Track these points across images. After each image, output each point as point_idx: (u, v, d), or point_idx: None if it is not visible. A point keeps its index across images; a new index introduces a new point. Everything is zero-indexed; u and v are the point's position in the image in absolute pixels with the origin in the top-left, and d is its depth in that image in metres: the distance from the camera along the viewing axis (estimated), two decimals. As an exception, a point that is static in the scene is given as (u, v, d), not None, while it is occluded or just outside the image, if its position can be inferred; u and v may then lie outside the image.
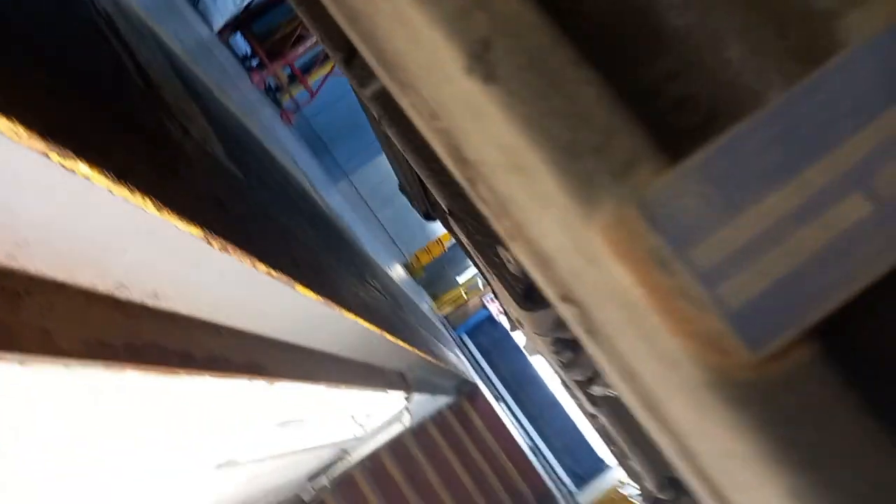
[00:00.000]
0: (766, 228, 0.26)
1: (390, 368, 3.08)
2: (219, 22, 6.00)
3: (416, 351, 2.93)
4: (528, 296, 1.45)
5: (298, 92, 7.49)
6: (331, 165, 8.72)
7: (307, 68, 7.34)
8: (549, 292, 0.36)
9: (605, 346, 0.33)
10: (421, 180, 2.26)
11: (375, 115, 1.63)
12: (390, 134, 1.66)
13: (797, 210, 0.26)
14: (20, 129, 0.60)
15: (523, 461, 5.46)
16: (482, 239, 1.51)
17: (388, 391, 2.88)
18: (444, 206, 1.63)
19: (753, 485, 0.26)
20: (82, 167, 0.65)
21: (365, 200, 9.31)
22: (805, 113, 0.27)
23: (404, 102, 0.38)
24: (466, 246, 1.91)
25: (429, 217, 2.61)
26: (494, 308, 9.63)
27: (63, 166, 0.65)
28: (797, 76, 0.28)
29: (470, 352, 9.83)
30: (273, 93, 7.36)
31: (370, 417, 3.13)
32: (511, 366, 10.25)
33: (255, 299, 1.35)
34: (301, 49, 6.80)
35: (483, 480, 5.07)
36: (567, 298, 0.34)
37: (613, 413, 1.41)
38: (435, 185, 1.52)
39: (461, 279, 10.29)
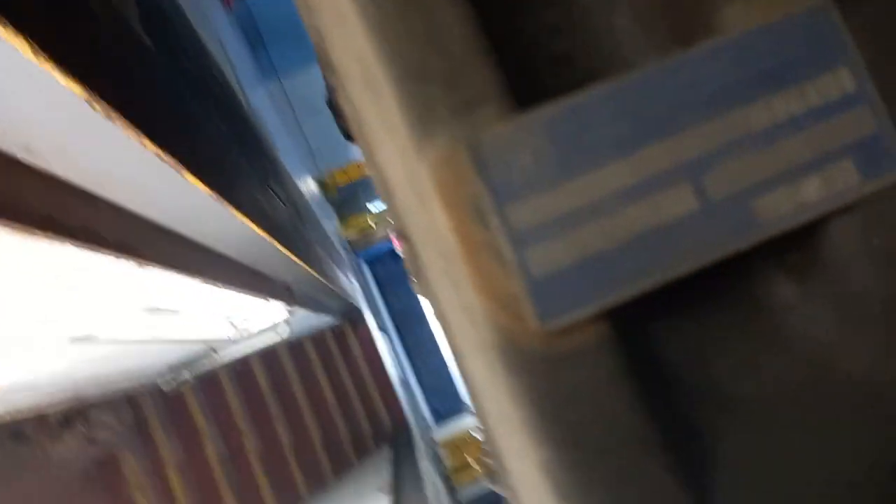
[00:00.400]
0: (592, 201, 0.26)
1: (277, 278, 3.05)
2: None
3: (306, 266, 2.92)
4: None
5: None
6: (264, 62, 8.28)
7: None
8: (391, 224, 0.36)
9: (427, 290, 0.33)
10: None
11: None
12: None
13: (627, 189, 0.26)
14: None
15: (390, 393, 5.63)
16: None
17: (270, 300, 2.86)
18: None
19: (520, 452, 0.26)
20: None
21: (292, 106, 8.96)
22: (658, 93, 0.26)
23: (303, 10, 0.38)
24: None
25: (348, 136, 2.57)
26: (398, 244, 9.67)
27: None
28: (669, 54, 0.28)
29: (365, 279, 9.87)
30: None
31: (247, 322, 3.11)
32: (402, 301, 10.39)
33: (139, 178, 1.29)
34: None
35: (347, 403, 5.20)
36: (401, 234, 0.35)
37: None
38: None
39: (373, 208, 10.22)
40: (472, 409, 0.36)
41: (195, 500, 3.60)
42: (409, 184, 0.28)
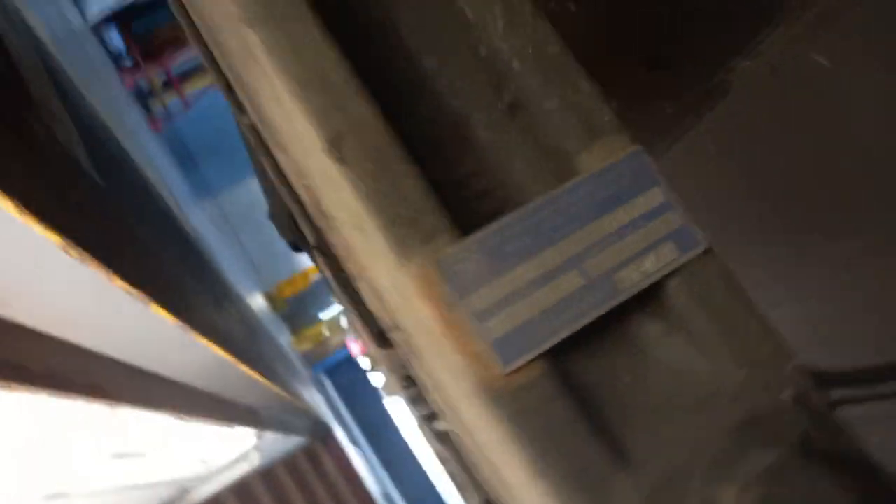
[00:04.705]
0: (517, 288, 0.41)
1: (242, 402, 2.96)
2: (94, 12, 5.63)
3: (270, 385, 2.85)
4: (381, 333, 1.50)
5: (172, 100, 7.15)
6: (197, 182, 8.32)
7: (184, 77, 7.04)
8: (384, 322, 0.43)
9: (420, 364, 0.45)
10: (290, 212, 2.27)
11: (252, 144, 1.63)
12: (265, 165, 1.66)
13: (537, 277, 0.42)
14: None
15: (372, 508, 5.37)
16: (344, 275, 1.54)
17: (237, 426, 2.76)
18: (310, 241, 1.65)
19: (506, 460, 0.40)
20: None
21: (230, 223, 8.96)
22: (548, 215, 0.43)
23: (279, 157, 0.43)
24: (330, 281, 1.94)
25: (297, 248, 2.61)
26: (356, 348, 9.53)
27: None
28: (552, 188, 0.45)
29: (327, 392, 9.61)
30: (145, 97, 6.97)
31: (215, 454, 2.97)
32: (369, 409, 10.12)
33: (105, 315, 1.27)
34: (180, 56, 6.53)
35: (329, 526, 4.93)
36: (395, 327, 0.41)
37: (451, 447, 1.47)
38: (303, 220, 1.54)
39: (324, 316, 10.10)
40: (470, 452, 0.42)
41: None
42: (396, 290, 0.42)
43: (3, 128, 0.90)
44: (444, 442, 1.46)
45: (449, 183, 0.41)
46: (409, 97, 0.41)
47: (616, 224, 0.42)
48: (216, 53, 0.44)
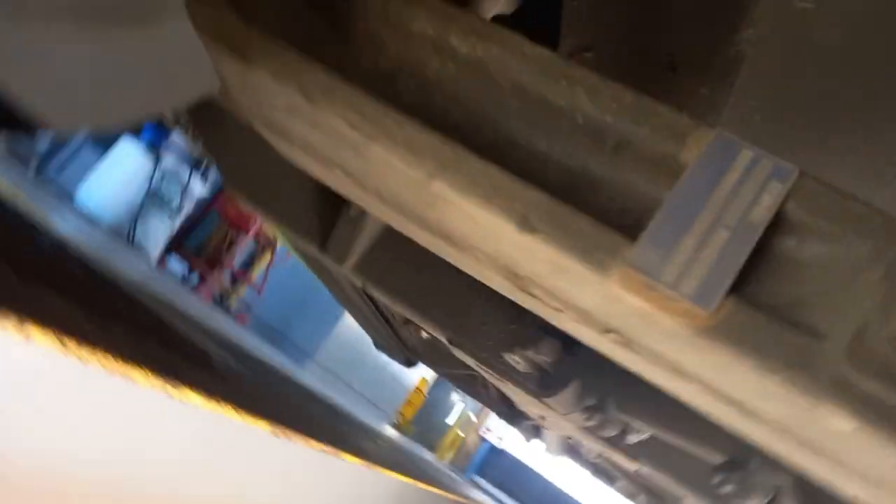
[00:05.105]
0: (688, 256, 0.51)
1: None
2: (155, 254, 6.18)
3: (448, 494, 2.92)
4: (543, 384, 1.60)
5: (245, 291, 7.62)
6: (293, 351, 8.70)
7: (247, 267, 7.53)
8: (590, 332, 0.55)
9: (637, 347, 0.55)
10: (395, 332, 2.44)
11: (358, 284, 1.83)
12: (379, 296, 1.86)
13: (697, 243, 0.51)
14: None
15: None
16: (486, 354, 1.67)
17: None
18: (443, 339, 1.79)
19: (738, 375, 0.49)
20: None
21: (335, 373, 9.24)
22: (681, 201, 0.52)
23: (464, 259, 0.57)
24: (470, 368, 2.06)
25: (410, 363, 2.80)
26: (494, 437, 9.45)
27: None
28: (672, 185, 0.54)
29: (487, 489, 9.47)
30: (221, 300, 7.43)
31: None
32: (531, 489, 9.89)
33: (313, 474, 1.42)
34: (237, 251, 7.02)
35: None
36: (607, 329, 0.53)
37: (652, 454, 1.53)
38: (434, 325, 1.70)
39: (451, 419, 10.12)
40: (694, 395, 0.56)
41: None
42: (606, 300, 0.53)
43: (191, 358, 1.08)
44: (641, 453, 1.51)
45: (596, 213, 0.53)
46: (541, 171, 0.54)
47: (729, 185, 0.52)
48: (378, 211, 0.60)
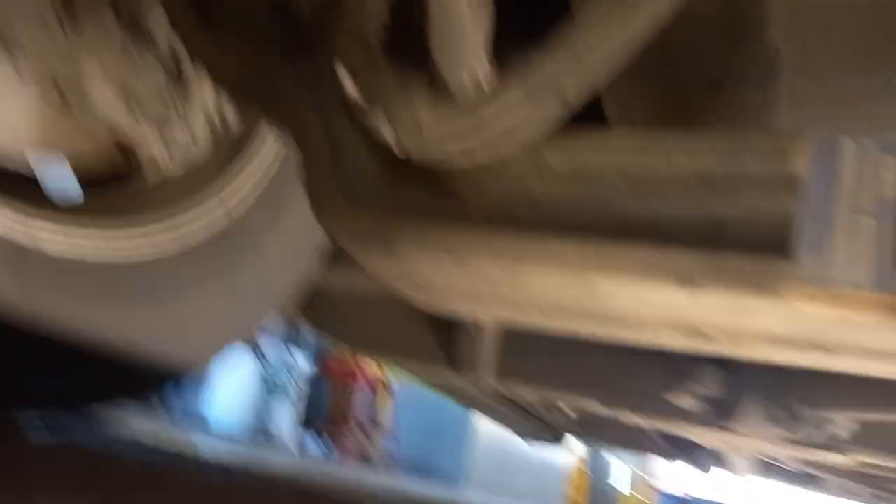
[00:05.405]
0: (847, 252, 0.52)
1: None
2: (292, 440, 6.36)
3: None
4: (718, 412, 1.57)
5: (381, 437, 7.66)
6: (445, 479, 8.58)
7: (372, 412, 7.59)
8: (790, 353, 0.58)
9: (841, 350, 0.58)
10: (538, 418, 2.48)
11: (498, 387, 1.90)
12: (522, 391, 1.91)
13: (848, 240, 0.53)
14: None
15: None
16: (648, 403, 1.69)
17: None
18: (599, 404, 1.81)
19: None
20: None
21: (496, 485, 9.01)
22: (812, 210, 0.54)
23: (637, 333, 0.63)
24: (628, 425, 2.05)
25: (558, 438, 2.85)
26: (670, 483, 8.90)
27: None
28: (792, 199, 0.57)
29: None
30: (364, 457, 7.47)
31: None
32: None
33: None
34: (357, 405, 7.14)
35: None
36: (807, 344, 0.56)
37: (867, 440, 1.47)
38: (587, 397, 1.74)
39: (620, 485, 9.63)
40: None
41: None
42: (793, 320, 0.56)
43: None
44: (851, 441, 1.44)
45: (741, 248, 0.56)
46: (676, 232, 0.58)
47: (848, 175, 0.54)
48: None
